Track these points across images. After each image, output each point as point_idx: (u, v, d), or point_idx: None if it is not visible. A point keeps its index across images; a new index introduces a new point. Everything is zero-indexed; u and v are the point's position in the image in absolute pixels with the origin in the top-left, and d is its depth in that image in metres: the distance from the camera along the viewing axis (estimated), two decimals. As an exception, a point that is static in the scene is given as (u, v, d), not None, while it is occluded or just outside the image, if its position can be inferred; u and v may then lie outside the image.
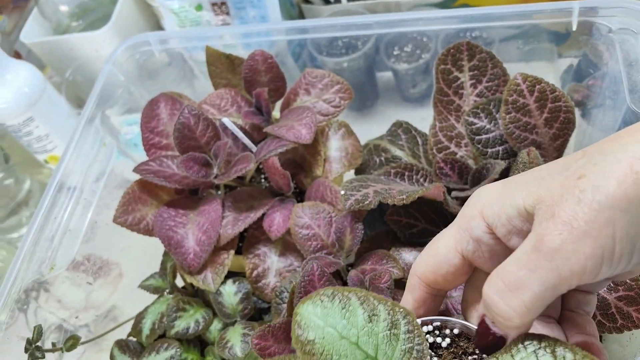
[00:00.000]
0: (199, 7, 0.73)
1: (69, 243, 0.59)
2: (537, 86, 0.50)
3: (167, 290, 0.57)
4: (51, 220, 0.57)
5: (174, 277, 0.58)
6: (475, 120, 0.53)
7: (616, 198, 0.25)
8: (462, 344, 0.32)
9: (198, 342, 0.55)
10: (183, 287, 0.59)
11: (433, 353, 0.32)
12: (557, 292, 0.27)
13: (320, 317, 0.28)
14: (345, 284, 0.52)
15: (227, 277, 0.54)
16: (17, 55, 0.99)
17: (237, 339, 0.50)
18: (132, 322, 0.58)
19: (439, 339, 0.32)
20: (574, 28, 0.53)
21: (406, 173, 0.56)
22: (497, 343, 0.29)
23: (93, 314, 0.68)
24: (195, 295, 0.57)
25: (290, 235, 0.54)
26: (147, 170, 0.55)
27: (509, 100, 0.50)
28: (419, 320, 0.31)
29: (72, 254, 0.59)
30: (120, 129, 0.79)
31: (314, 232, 0.53)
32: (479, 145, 0.53)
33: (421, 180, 0.56)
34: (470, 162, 0.56)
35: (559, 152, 0.52)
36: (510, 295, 0.27)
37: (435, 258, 0.33)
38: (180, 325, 0.53)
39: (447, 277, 0.33)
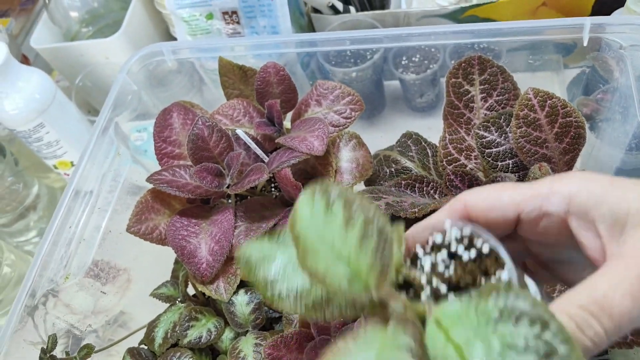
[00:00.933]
0: (209, 16, 0.73)
1: (83, 252, 0.59)
2: (548, 101, 0.51)
3: (179, 299, 0.58)
4: (65, 230, 0.58)
5: (186, 285, 0.58)
6: (486, 134, 0.54)
7: None
8: (485, 263, 0.28)
9: (210, 351, 0.56)
10: (194, 296, 0.59)
11: (448, 260, 0.28)
12: None
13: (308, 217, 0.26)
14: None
15: (238, 286, 0.55)
16: (24, 59, 0.99)
17: (249, 349, 0.51)
18: (143, 330, 0.58)
19: (460, 249, 0.28)
20: (585, 44, 0.53)
21: (417, 185, 0.57)
22: None
23: (102, 320, 0.68)
24: (207, 304, 0.57)
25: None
26: (161, 180, 0.56)
27: (520, 114, 0.51)
28: (448, 221, 0.29)
29: (86, 263, 0.59)
30: (130, 135, 0.79)
31: (326, 243, 0.53)
32: (489, 159, 0.54)
33: (431, 192, 0.57)
34: (480, 174, 0.57)
35: (568, 167, 0.53)
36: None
37: (493, 200, 0.31)
38: (192, 334, 0.53)
39: (488, 221, 0.31)
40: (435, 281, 0.27)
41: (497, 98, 0.56)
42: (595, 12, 0.74)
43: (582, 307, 0.24)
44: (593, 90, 0.61)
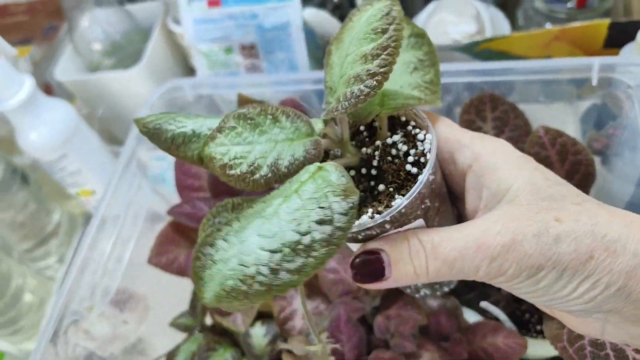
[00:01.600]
0: (228, 51, 0.76)
1: (107, 283, 0.61)
2: (559, 139, 0.52)
3: (198, 329, 0.59)
4: (91, 261, 0.60)
5: (204, 315, 0.60)
6: (498, 170, 0.55)
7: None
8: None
9: (227, 381, 0.57)
10: (212, 326, 0.61)
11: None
12: None
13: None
14: (370, 328, 0.53)
15: (255, 318, 0.56)
16: (47, 87, 1.02)
17: (266, 380, 0.52)
18: (162, 359, 0.60)
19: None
20: (594, 83, 0.55)
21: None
22: (378, 276, 0.30)
23: (120, 347, 0.70)
24: (225, 335, 0.59)
25: (317, 279, 0.56)
26: (181, 212, 0.58)
27: (531, 152, 0.52)
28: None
29: (110, 292, 0.61)
30: (149, 164, 0.81)
31: (341, 276, 0.55)
32: (501, 194, 0.55)
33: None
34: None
35: (579, 202, 0.54)
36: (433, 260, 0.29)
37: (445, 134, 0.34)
38: (210, 364, 0.54)
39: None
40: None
41: (509, 134, 0.57)
42: (607, 45, 0.75)
43: (420, 241, 0.29)
44: (604, 125, 0.62)
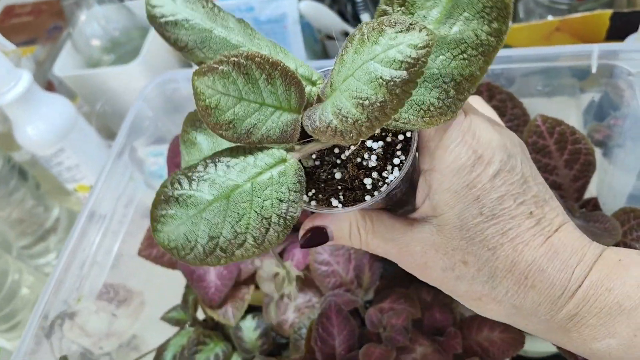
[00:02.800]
0: (225, 44, 0.75)
1: (96, 274, 0.60)
2: (557, 128, 0.50)
3: (189, 323, 0.58)
4: (79, 252, 0.59)
5: (195, 309, 0.59)
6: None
7: None
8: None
9: (217, 375, 0.56)
10: (204, 320, 0.59)
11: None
12: None
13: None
14: (363, 321, 0.52)
15: (246, 311, 0.55)
16: (50, 85, 1.02)
17: (255, 374, 0.51)
18: (153, 353, 0.59)
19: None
20: (594, 70, 0.53)
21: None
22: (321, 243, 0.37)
23: (115, 343, 0.69)
24: (216, 329, 0.58)
25: (309, 271, 0.55)
26: (172, 204, 0.57)
27: (529, 141, 0.51)
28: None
29: (98, 285, 0.60)
30: (146, 160, 0.81)
31: (333, 268, 0.53)
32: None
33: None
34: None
35: (579, 193, 0.52)
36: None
37: None
38: (200, 358, 0.53)
39: None
40: None
41: (507, 124, 0.55)
42: (609, 36, 0.74)
43: (358, 229, 0.35)
44: (606, 116, 0.60)
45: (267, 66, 0.28)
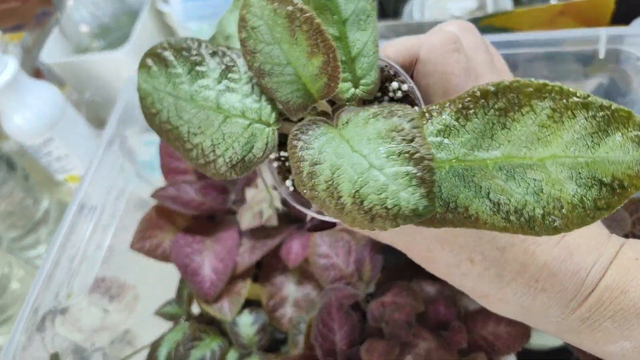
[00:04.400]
0: (218, 29, 0.73)
1: (87, 268, 0.58)
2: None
3: (183, 318, 0.56)
4: (69, 246, 0.57)
5: (190, 304, 0.57)
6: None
7: None
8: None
9: (214, 372, 0.54)
10: (199, 314, 0.58)
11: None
12: None
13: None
14: (364, 315, 0.50)
15: (243, 306, 0.53)
16: (38, 73, 1.00)
17: (253, 371, 0.49)
18: (147, 349, 0.57)
19: (395, 84, 0.30)
20: (602, 56, 0.51)
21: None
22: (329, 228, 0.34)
23: (108, 337, 0.67)
24: (212, 323, 0.56)
25: (308, 264, 0.53)
26: (166, 196, 0.55)
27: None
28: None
29: (89, 280, 0.58)
30: (138, 150, 0.78)
31: (333, 261, 0.52)
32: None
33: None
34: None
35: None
36: None
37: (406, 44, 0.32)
38: (195, 354, 0.52)
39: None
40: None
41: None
42: (614, 20, 0.72)
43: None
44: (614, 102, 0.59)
45: (317, 41, 0.25)
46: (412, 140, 0.22)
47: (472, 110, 0.24)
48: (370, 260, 0.51)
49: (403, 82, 0.30)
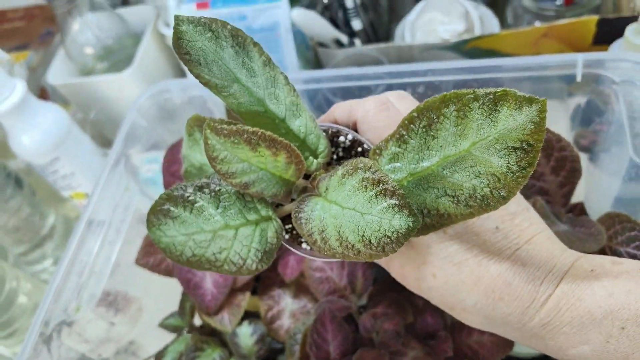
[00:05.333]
0: (218, 52, 0.76)
1: (94, 282, 0.61)
2: (543, 136, 0.52)
3: (186, 330, 0.59)
4: (78, 261, 0.60)
5: (192, 316, 0.60)
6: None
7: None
8: (359, 148, 0.37)
9: (215, 381, 0.57)
10: (201, 326, 0.61)
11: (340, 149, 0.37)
12: None
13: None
14: (357, 326, 0.53)
15: (242, 317, 0.56)
16: (43, 92, 1.03)
17: (252, 380, 0.52)
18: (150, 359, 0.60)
19: (342, 138, 0.37)
20: (579, 79, 0.55)
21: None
22: None
23: (114, 348, 0.70)
24: (212, 335, 0.59)
25: (304, 278, 0.56)
26: (168, 213, 0.58)
27: (516, 148, 0.52)
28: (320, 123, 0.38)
29: (97, 293, 0.61)
30: (141, 167, 0.81)
31: (327, 275, 0.55)
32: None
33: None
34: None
35: (566, 198, 0.54)
36: None
37: (342, 112, 0.38)
38: (198, 365, 0.54)
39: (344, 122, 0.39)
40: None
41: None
42: (596, 41, 0.75)
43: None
44: (591, 122, 0.62)
45: (275, 146, 0.31)
46: (379, 182, 0.28)
47: (407, 135, 0.31)
48: (362, 274, 0.54)
49: (347, 134, 0.37)
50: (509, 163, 0.28)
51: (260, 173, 0.32)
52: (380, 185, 0.28)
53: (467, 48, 0.78)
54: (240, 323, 0.56)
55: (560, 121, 0.76)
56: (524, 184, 0.28)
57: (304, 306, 0.57)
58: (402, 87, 0.77)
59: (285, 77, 0.33)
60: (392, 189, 0.27)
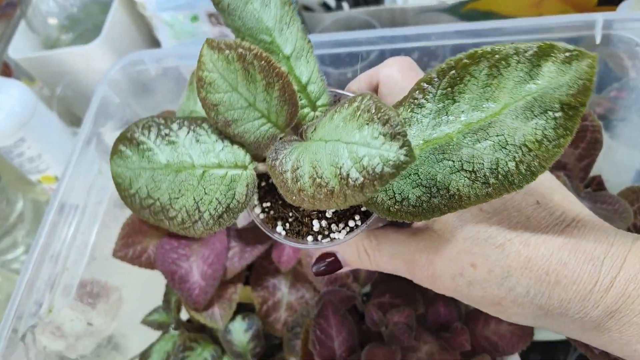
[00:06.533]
0: (194, 18, 0.69)
1: (70, 271, 0.56)
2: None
3: (172, 326, 0.54)
4: (51, 248, 0.54)
5: (179, 311, 0.55)
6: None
7: None
8: None
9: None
10: (188, 320, 0.56)
11: None
12: None
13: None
14: (362, 317, 0.49)
15: (235, 312, 0.51)
16: (6, 68, 0.95)
17: (249, 381, 0.47)
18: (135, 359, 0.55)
19: None
20: (598, 42, 0.50)
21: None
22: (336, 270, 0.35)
23: (93, 343, 0.65)
24: (202, 330, 0.54)
25: (301, 265, 0.51)
26: (147, 200, 0.52)
27: (532, 119, 0.47)
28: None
29: (72, 283, 0.56)
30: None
31: (327, 263, 0.50)
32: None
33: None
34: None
35: (585, 172, 0.49)
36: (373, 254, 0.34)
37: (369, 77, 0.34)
38: (187, 365, 0.50)
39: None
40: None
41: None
42: (601, 1, 0.70)
43: (365, 249, 0.34)
44: (604, 87, 0.57)
45: (270, 73, 0.26)
46: (375, 110, 0.22)
47: (422, 98, 0.26)
48: (365, 259, 0.50)
49: None
50: (545, 130, 0.24)
51: (247, 111, 0.27)
52: (374, 113, 0.22)
53: (464, 10, 0.72)
54: (232, 318, 0.51)
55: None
56: (559, 156, 0.24)
57: (302, 296, 0.52)
58: (396, 52, 0.71)
59: (303, 24, 0.30)
60: (386, 115, 0.22)
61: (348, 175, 0.22)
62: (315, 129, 0.26)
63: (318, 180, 0.23)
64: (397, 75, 0.32)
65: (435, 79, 0.26)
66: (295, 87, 0.28)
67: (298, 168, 0.25)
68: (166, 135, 0.29)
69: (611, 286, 0.27)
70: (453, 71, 0.25)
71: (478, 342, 0.46)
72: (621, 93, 0.53)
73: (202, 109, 0.28)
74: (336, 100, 0.32)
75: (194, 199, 0.29)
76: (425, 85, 0.26)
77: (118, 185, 0.31)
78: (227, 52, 0.26)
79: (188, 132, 0.29)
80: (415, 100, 0.26)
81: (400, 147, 0.21)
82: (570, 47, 0.23)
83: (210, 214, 0.29)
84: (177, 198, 0.29)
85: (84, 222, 0.59)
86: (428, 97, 0.26)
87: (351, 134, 0.23)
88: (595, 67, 0.23)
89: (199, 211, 0.29)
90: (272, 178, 0.27)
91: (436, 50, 0.72)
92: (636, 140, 0.51)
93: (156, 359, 0.51)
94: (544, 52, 0.24)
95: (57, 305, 0.55)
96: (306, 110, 0.30)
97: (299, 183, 0.24)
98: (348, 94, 0.32)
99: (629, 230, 0.45)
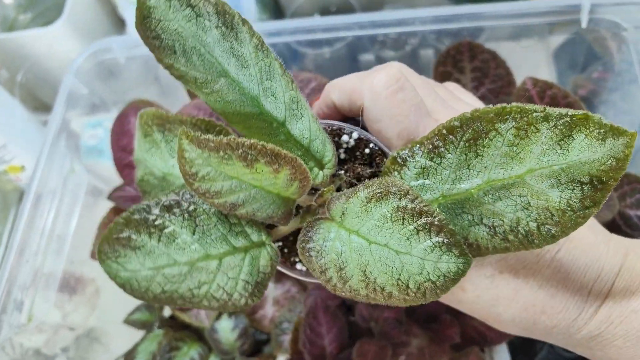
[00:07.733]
0: (163, -1, 0.66)
1: (51, 265, 0.54)
2: (548, 92, 0.46)
3: (156, 325, 0.53)
4: (30, 242, 0.52)
5: (161, 308, 0.53)
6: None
7: None
8: (365, 149, 0.31)
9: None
10: (171, 317, 0.54)
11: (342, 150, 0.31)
12: None
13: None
14: (349, 308, 0.49)
15: (221, 309, 0.50)
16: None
17: (239, 380, 0.47)
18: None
19: (345, 137, 0.30)
20: (584, 25, 0.49)
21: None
22: None
23: (73, 335, 0.63)
24: (187, 328, 0.53)
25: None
26: (124, 197, 0.50)
27: (518, 107, 0.47)
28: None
29: (56, 277, 0.54)
30: (83, 134, 0.72)
31: (313, 257, 0.49)
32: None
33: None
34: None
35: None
36: None
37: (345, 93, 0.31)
38: (174, 365, 0.49)
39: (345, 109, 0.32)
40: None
41: (490, 87, 0.51)
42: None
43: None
44: (586, 68, 0.57)
45: (277, 161, 0.24)
46: (420, 214, 0.23)
47: (443, 148, 0.25)
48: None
49: (351, 132, 0.30)
50: (570, 199, 0.23)
51: (253, 191, 0.25)
52: (423, 219, 0.22)
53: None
54: (219, 316, 0.50)
55: (541, 63, 0.71)
56: (582, 225, 0.24)
57: (287, 290, 0.51)
58: (373, 38, 0.70)
59: (281, 64, 0.26)
60: (438, 223, 0.22)
61: (407, 285, 0.23)
62: (344, 214, 0.25)
63: (372, 285, 0.24)
64: (383, 99, 0.29)
65: (458, 128, 0.25)
66: (299, 153, 0.27)
67: (342, 269, 0.25)
68: (161, 227, 0.27)
69: (595, 314, 0.28)
70: (478, 124, 0.24)
71: (466, 333, 0.46)
72: (605, 75, 0.53)
73: (180, 172, 0.24)
74: (331, 132, 0.30)
75: (218, 285, 0.27)
76: (447, 133, 0.25)
77: (123, 286, 0.28)
78: (221, 153, 0.23)
79: (183, 216, 0.27)
80: (436, 150, 0.25)
81: (458, 257, 0.22)
82: (607, 122, 0.22)
83: (240, 293, 0.27)
84: (198, 287, 0.27)
85: (61, 213, 0.57)
86: (449, 147, 0.25)
87: (402, 242, 0.23)
88: (632, 146, 0.22)
89: (227, 294, 0.27)
90: (304, 263, 0.26)
91: (416, 33, 0.70)
92: (619, 123, 0.50)
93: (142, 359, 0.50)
94: (577, 124, 0.23)
95: (37, 302, 0.54)
96: (315, 171, 0.28)
97: (347, 285, 0.24)
98: (342, 125, 0.30)
99: (614, 220, 0.46)
